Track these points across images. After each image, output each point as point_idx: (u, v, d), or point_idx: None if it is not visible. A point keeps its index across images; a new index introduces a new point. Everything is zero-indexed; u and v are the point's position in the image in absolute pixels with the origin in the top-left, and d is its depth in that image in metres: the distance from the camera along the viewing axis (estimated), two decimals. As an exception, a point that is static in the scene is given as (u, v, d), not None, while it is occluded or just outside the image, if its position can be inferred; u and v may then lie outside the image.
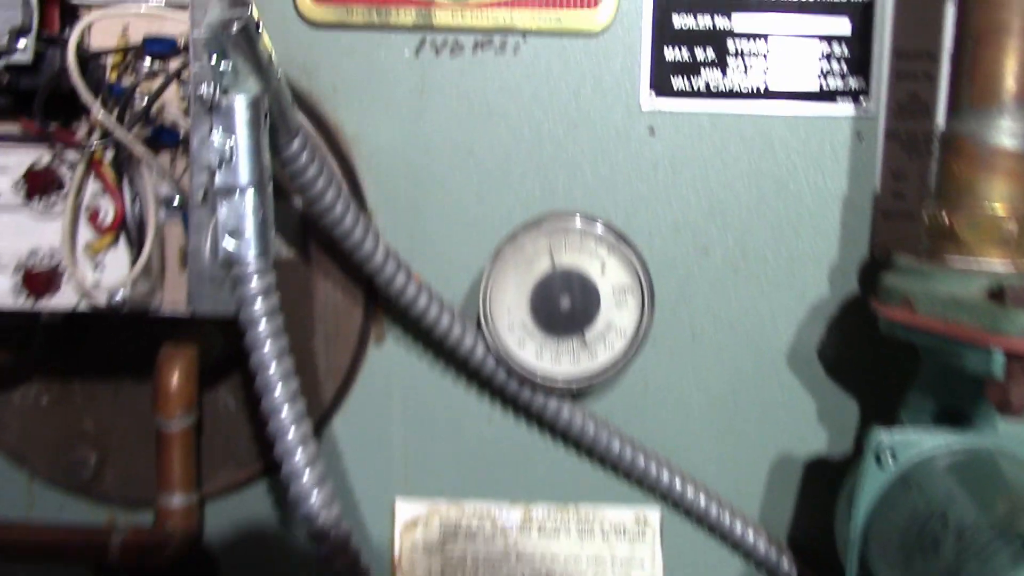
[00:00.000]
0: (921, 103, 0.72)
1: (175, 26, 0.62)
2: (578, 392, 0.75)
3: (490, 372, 0.73)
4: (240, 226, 0.58)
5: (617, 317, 0.74)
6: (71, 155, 0.62)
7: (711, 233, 0.76)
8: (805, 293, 0.76)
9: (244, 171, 0.58)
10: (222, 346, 0.78)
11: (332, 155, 0.78)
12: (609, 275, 0.71)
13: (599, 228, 0.74)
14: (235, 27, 0.57)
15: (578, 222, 0.74)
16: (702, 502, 0.79)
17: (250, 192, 0.58)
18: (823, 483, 0.77)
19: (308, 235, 0.73)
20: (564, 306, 0.74)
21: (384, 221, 0.77)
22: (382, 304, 0.77)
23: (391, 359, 0.79)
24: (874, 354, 0.75)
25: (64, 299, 0.61)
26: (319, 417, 0.81)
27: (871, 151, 0.75)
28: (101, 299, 0.59)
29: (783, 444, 0.78)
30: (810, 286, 0.76)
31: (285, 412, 0.60)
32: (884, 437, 0.67)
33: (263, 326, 0.59)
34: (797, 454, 0.78)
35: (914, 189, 0.75)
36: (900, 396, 0.70)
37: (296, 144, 0.64)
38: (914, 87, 0.72)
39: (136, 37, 0.62)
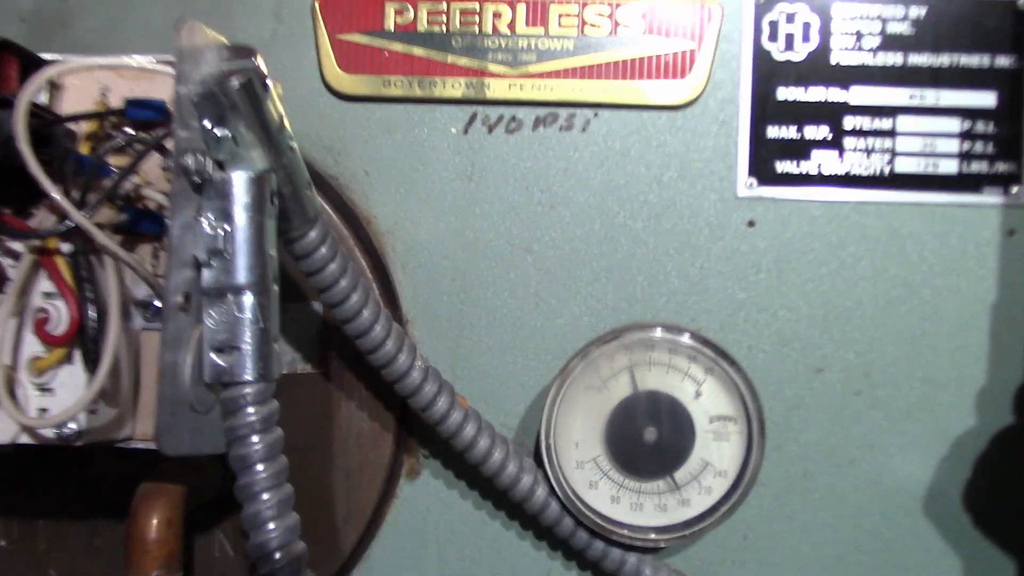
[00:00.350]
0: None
1: (166, 87, 0.48)
2: (663, 547, 0.62)
3: (552, 520, 0.61)
4: (234, 337, 0.43)
5: (716, 453, 0.59)
6: (19, 246, 0.47)
7: (826, 349, 0.64)
8: (945, 424, 0.64)
9: (241, 267, 0.44)
10: (220, 480, 0.63)
11: (360, 250, 0.64)
12: (705, 400, 0.59)
13: (689, 340, 0.58)
14: (236, 83, 0.44)
15: (662, 333, 0.58)
16: None
17: (248, 295, 0.44)
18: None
19: (329, 345, 0.58)
20: (648, 439, 0.59)
21: (423, 332, 0.65)
22: (417, 432, 0.66)
23: (427, 499, 0.67)
24: None
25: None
26: (336, 571, 0.64)
27: (1024, 248, 0.60)
28: (47, 431, 0.44)
29: None
30: (951, 416, 0.64)
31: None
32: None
33: (261, 470, 0.44)
34: None
35: None
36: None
37: (314, 234, 0.50)
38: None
39: (117, 100, 0.48)
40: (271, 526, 0.45)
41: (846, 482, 0.65)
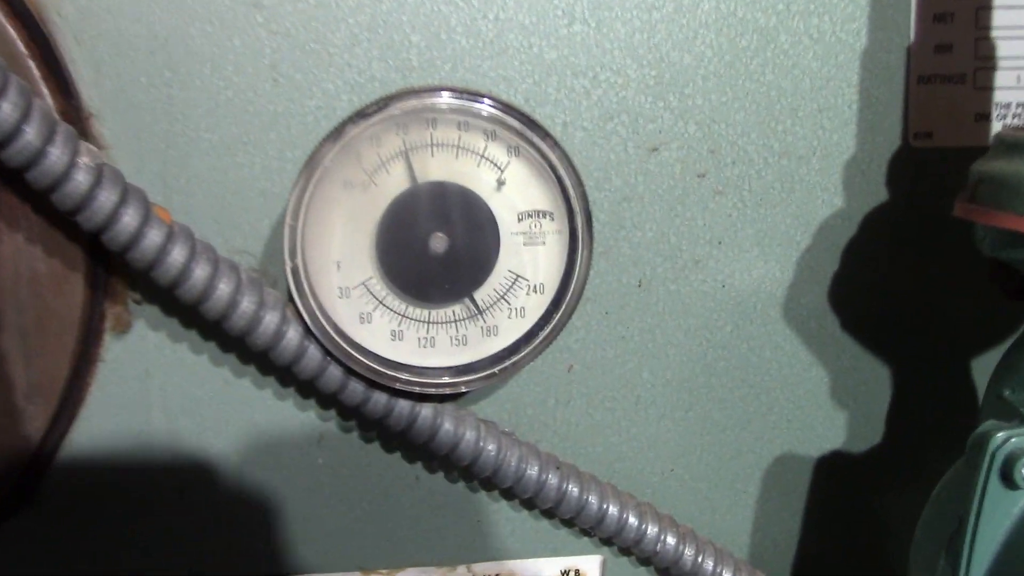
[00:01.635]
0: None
1: None
2: (465, 392, 0.49)
3: (313, 371, 0.46)
4: None
5: (528, 262, 0.45)
6: None
7: (661, 121, 0.51)
8: (808, 208, 0.53)
9: None
10: None
11: (7, 16, 0.43)
12: (510, 192, 0.45)
13: (487, 107, 0.41)
14: None
15: (448, 98, 0.41)
16: (666, 543, 0.49)
17: None
18: (851, 500, 0.57)
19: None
20: (436, 249, 0.43)
21: (115, 129, 0.48)
22: (122, 269, 0.48)
23: (145, 360, 0.50)
24: (926, 295, 0.54)
25: None
26: (24, 465, 0.46)
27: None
28: None
29: (786, 442, 0.56)
30: (815, 197, 0.53)
31: None
32: (1012, 442, 0.38)
33: None
34: (802, 453, 0.56)
35: (965, 36, 0.51)
36: (978, 360, 0.52)
37: None
38: None
39: None
40: None
41: (691, 288, 0.52)
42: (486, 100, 0.44)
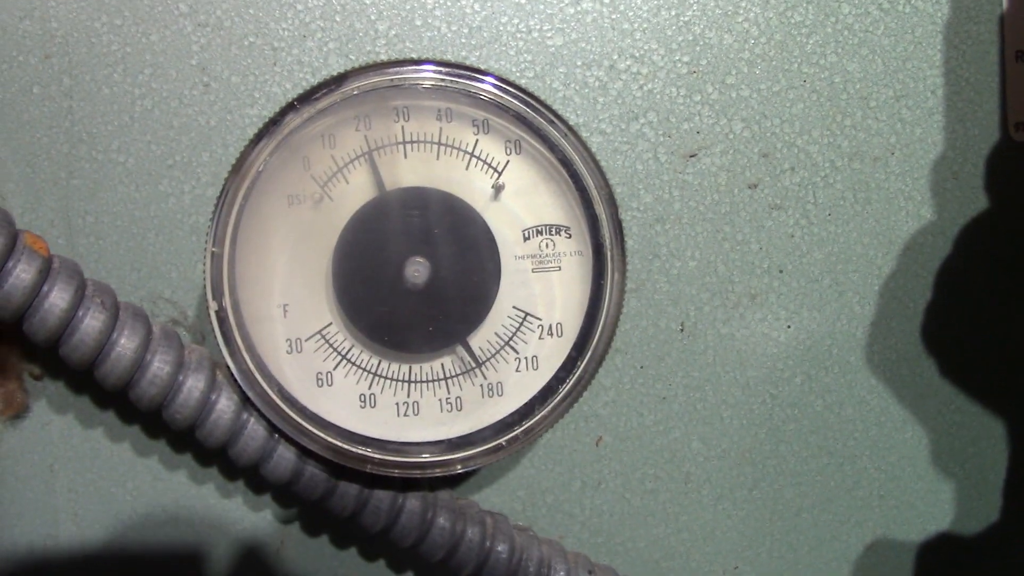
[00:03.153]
0: None
1: None
2: (461, 472, 0.38)
3: (254, 453, 0.36)
4: None
5: (540, 295, 0.35)
6: None
7: (700, 119, 0.42)
8: (889, 220, 0.43)
9: None
10: None
11: None
12: (513, 200, 0.36)
13: (483, 87, 0.31)
14: None
15: (430, 73, 0.31)
16: None
17: None
18: None
19: None
20: (414, 280, 0.32)
21: (3, 153, 0.40)
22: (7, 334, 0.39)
23: (45, 453, 0.41)
24: None
25: None
26: None
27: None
28: None
29: (879, 524, 0.45)
30: (897, 205, 0.43)
31: None
32: None
33: None
34: (901, 538, 0.46)
35: None
36: None
37: None
38: None
39: None
40: None
41: (747, 331, 0.45)
42: (477, 75, 0.34)
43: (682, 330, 0.42)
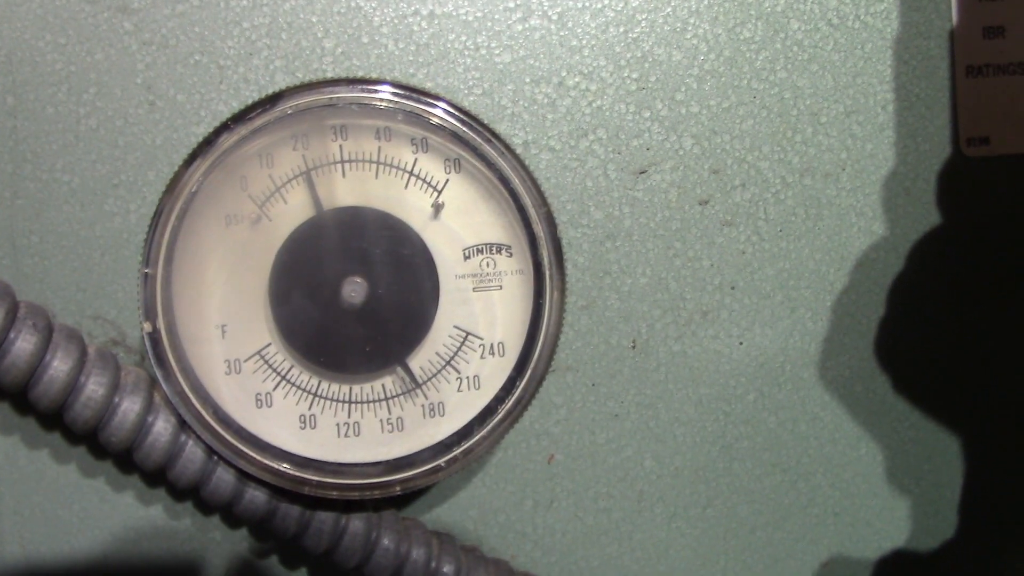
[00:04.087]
0: None
1: None
2: (400, 494, 0.37)
3: (193, 476, 0.36)
4: None
5: (480, 314, 0.36)
6: None
7: (650, 135, 0.42)
8: (841, 236, 0.43)
9: None
10: None
11: None
12: (453, 219, 0.36)
13: (421, 109, 0.31)
14: None
15: (359, 92, 0.31)
16: None
17: None
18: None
19: None
20: (352, 300, 0.32)
21: None
22: None
23: None
24: (998, 344, 0.44)
25: None
26: None
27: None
28: None
29: (834, 543, 0.45)
30: (849, 221, 0.43)
31: None
32: None
33: None
34: (856, 556, 0.45)
35: (1019, 15, 0.42)
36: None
37: None
38: None
39: None
40: None
41: (699, 348, 0.43)
42: (417, 97, 0.33)
43: (634, 347, 0.41)
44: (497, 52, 0.40)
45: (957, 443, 0.44)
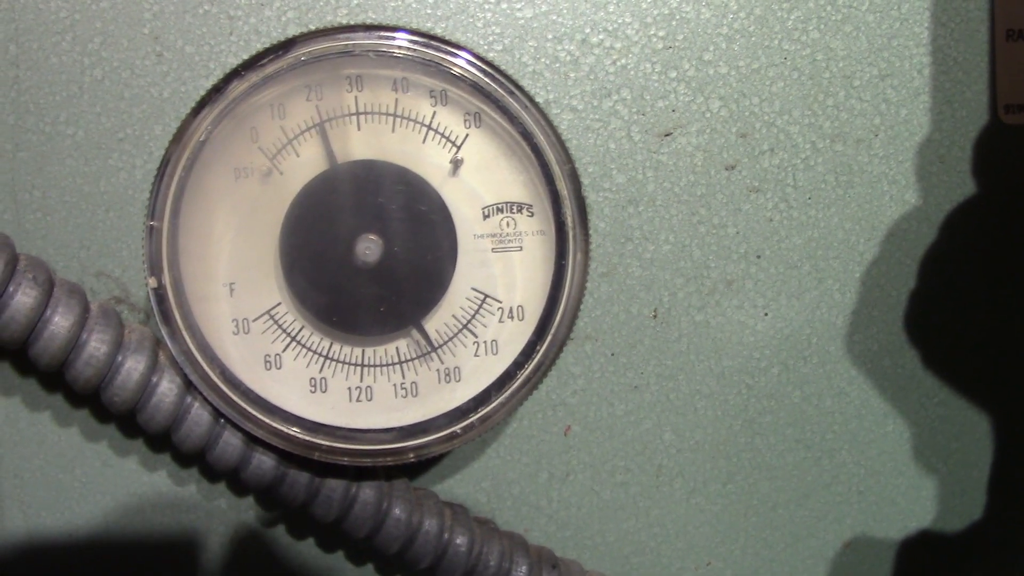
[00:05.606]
0: None
1: None
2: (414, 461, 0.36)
3: (199, 439, 0.34)
4: None
5: (500, 276, 0.34)
6: None
7: (676, 97, 0.40)
8: (872, 205, 0.42)
9: None
10: None
11: None
12: (472, 176, 0.34)
13: (441, 59, 0.30)
14: None
15: (378, 40, 0.30)
16: None
17: None
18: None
19: None
20: (366, 259, 0.31)
21: None
22: None
23: None
24: None
25: None
26: None
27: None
28: None
29: (857, 522, 0.44)
30: (880, 189, 0.42)
31: None
32: None
33: None
34: (880, 536, 0.44)
35: None
36: None
37: None
38: None
39: None
40: None
41: (723, 318, 0.43)
42: (437, 45, 0.32)
43: (655, 316, 0.40)
44: (519, 7, 0.39)
45: (987, 421, 0.44)
